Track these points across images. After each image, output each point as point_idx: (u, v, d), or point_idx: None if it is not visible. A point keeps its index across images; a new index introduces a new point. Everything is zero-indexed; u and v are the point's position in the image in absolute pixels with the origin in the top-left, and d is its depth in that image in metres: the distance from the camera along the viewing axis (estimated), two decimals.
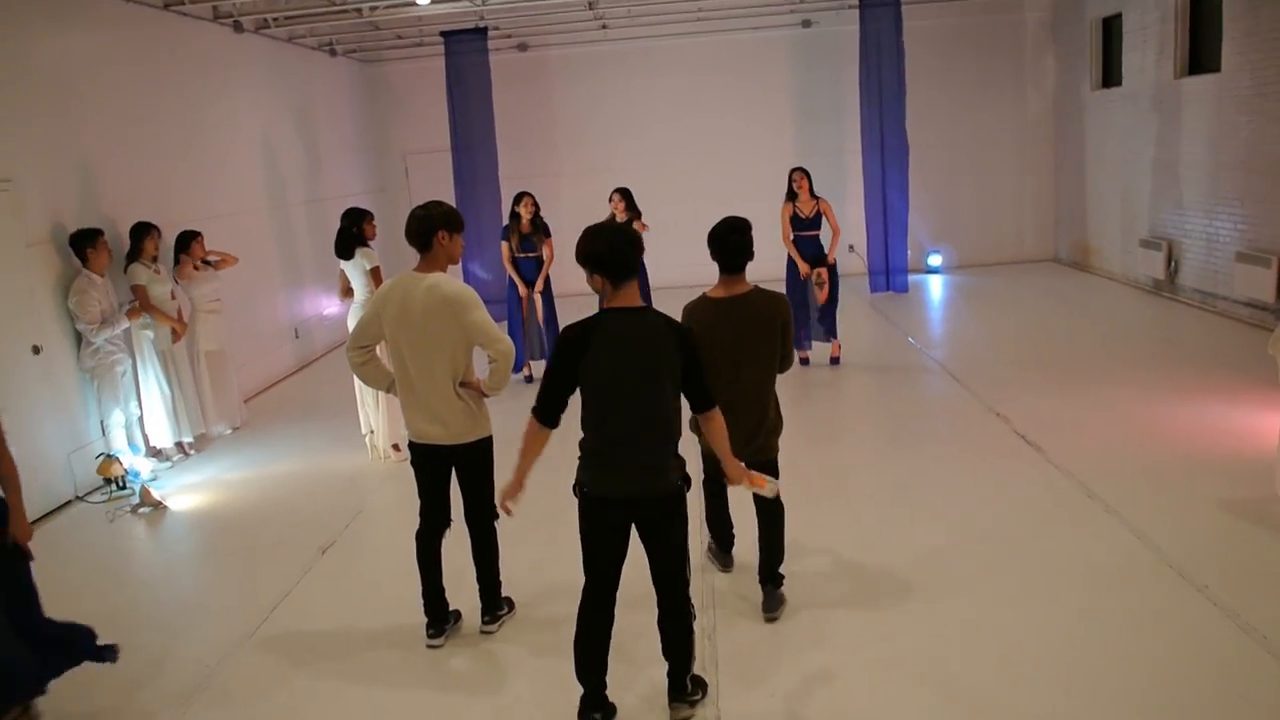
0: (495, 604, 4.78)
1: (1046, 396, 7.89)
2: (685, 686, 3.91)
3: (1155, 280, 11.70)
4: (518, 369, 9.43)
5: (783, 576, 4.79)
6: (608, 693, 3.89)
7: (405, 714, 4.15)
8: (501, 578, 4.79)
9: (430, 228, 4.44)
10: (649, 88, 14.67)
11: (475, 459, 4.58)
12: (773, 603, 4.70)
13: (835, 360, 9.48)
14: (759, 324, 4.56)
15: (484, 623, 4.75)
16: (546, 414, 3.81)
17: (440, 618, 4.70)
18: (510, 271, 9.42)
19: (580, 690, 3.87)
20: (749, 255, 4.60)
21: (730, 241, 4.57)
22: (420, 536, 4.67)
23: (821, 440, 7.76)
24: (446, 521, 4.69)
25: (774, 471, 4.68)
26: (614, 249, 3.66)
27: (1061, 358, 9.23)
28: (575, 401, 3.80)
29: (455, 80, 12.87)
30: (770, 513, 4.72)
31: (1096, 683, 3.94)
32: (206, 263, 8.37)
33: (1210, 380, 8.00)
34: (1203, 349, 9.18)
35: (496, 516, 4.70)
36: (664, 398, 3.67)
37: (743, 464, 4.18)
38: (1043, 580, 4.88)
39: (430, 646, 4.64)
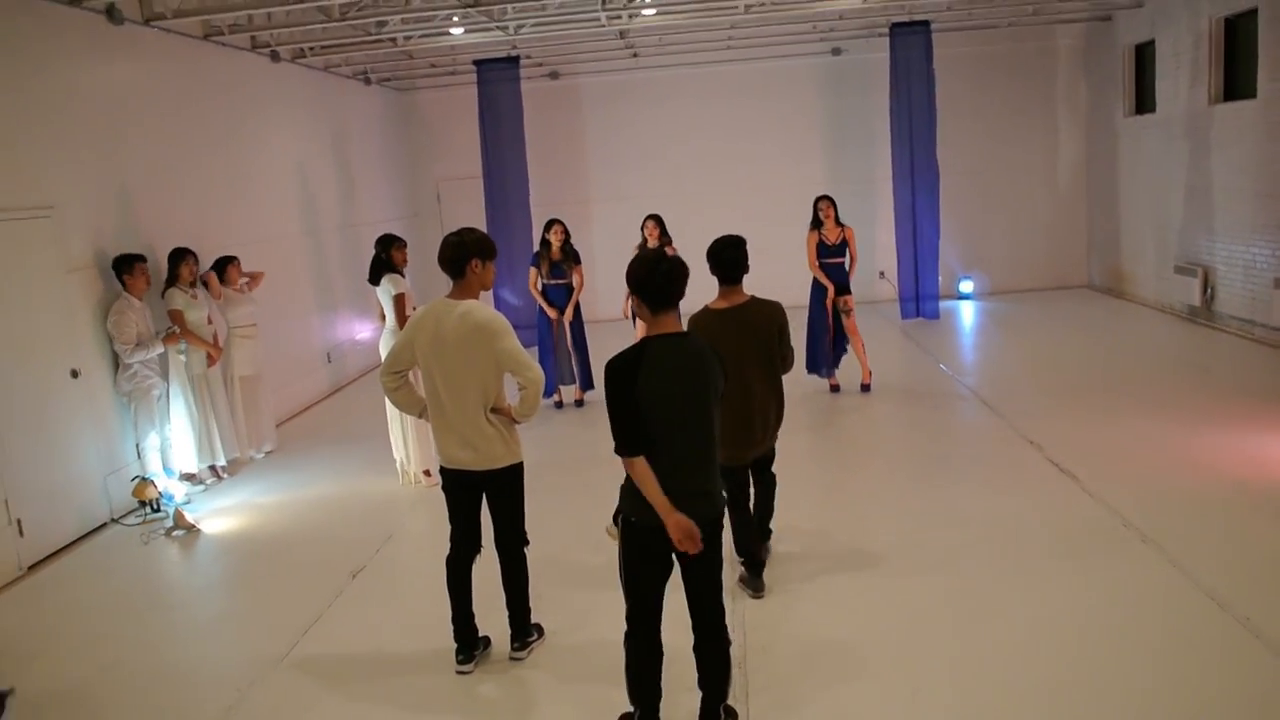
0: (525, 630, 4.78)
1: (1081, 424, 7.80)
2: (719, 715, 3.87)
3: (1191, 307, 11.57)
4: (548, 394, 9.46)
5: (770, 532, 5.57)
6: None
7: None
8: (531, 604, 4.79)
9: (464, 255, 4.47)
10: (679, 116, 14.75)
11: (506, 484, 4.59)
12: (756, 581, 5.24)
13: (866, 387, 9.43)
14: (759, 330, 5.05)
15: (514, 649, 4.75)
16: (631, 446, 3.64)
17: (470, 644, 4.70)
18: (537, 297, 9.48)
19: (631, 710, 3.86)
20: (745, 268, 5.09)
21: (727, 256, 5.05)
22: (451, 562, 4.68)
23: (852, 466, 7.71)
24: (477, 547, 4.70)
25: (771, 458, 5.46)
26: (669, 277, 3.65)
27: (1096, 385, 9.14)
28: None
29: (487, 108, 13.00)
30: (766, 484, 5.50)
31: (1135, 712, 3.87)
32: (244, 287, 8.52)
33: (1248, 408, 7.88)
34: (1240, 376, 9.05)
35: (527, 543, 4.70)
36: (713, 423, 3.69)
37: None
38: (1079, 610, 4.80)
39: (460, 673, 4.63)
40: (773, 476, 5.55)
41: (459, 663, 4.66)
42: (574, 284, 9.41)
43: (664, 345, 3.64)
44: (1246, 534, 5.55)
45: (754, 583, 5.26)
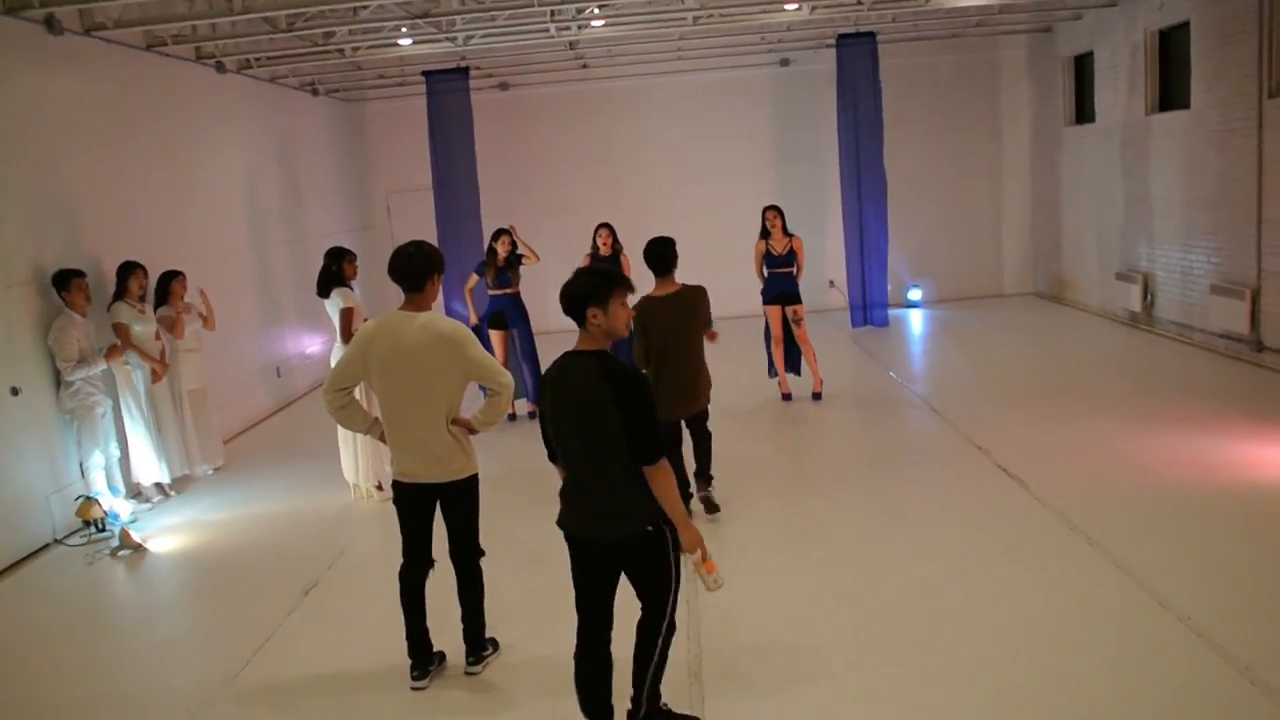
0: (480, 644, 4.75)
1: (1027, 429, 7.94)
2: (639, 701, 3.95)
3: (1132, 313, 11.84)
4: None
5: (712, 478, 6.63)
6: None
7: None
8: (486, 618, 4.76)
9: (427, 268, 4.46)
10: (630, 126, 14.81)
11: (463, 496, 4.58)
12: (713, 505, 6.53)
13: (817, 395, 9.52)
14: (690, 310, 6.34)
15: (469, 663, 4.72)
16: (551, 456, 3.97)
17: (425, 659, 4.67)
18: (468, 300, 9.49)
19: None
20: (674, 261, 6.45)
21: (658, 252, 6.41)
22: (404, 576, 4.65)
23: (803, 473, 7.78)
24: (430, 561, 4.67)
25: (705, 417, 6.57)
26: (567, 293, 3.80)
27: (1042, 390, 9.31)
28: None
29: (437, 119, 12.95)
30: (704, 437, 6.62)
31: (1081, 714, 3.95)
32: (201, 314, 8.44)
33: (1189, 411, 8.08)
34: (1181, 380, 9.28)
35: (482, 554, 4.69)
36: (604, 441, 3.66)
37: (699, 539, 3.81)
38: (1028, 611, 4.89)
39: (415, 688, 4.60)
40: (709, 431, 6.66)
41: (414, 679, 4.62)
42: (519, 290, 9.43)
43: (565, 362, 3.80)
44: (1187, 535, 5.69)
45: (710, 506, 6.53)
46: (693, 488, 6.57)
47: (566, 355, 3.78)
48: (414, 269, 4.44)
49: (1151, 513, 6.04)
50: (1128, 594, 4.99)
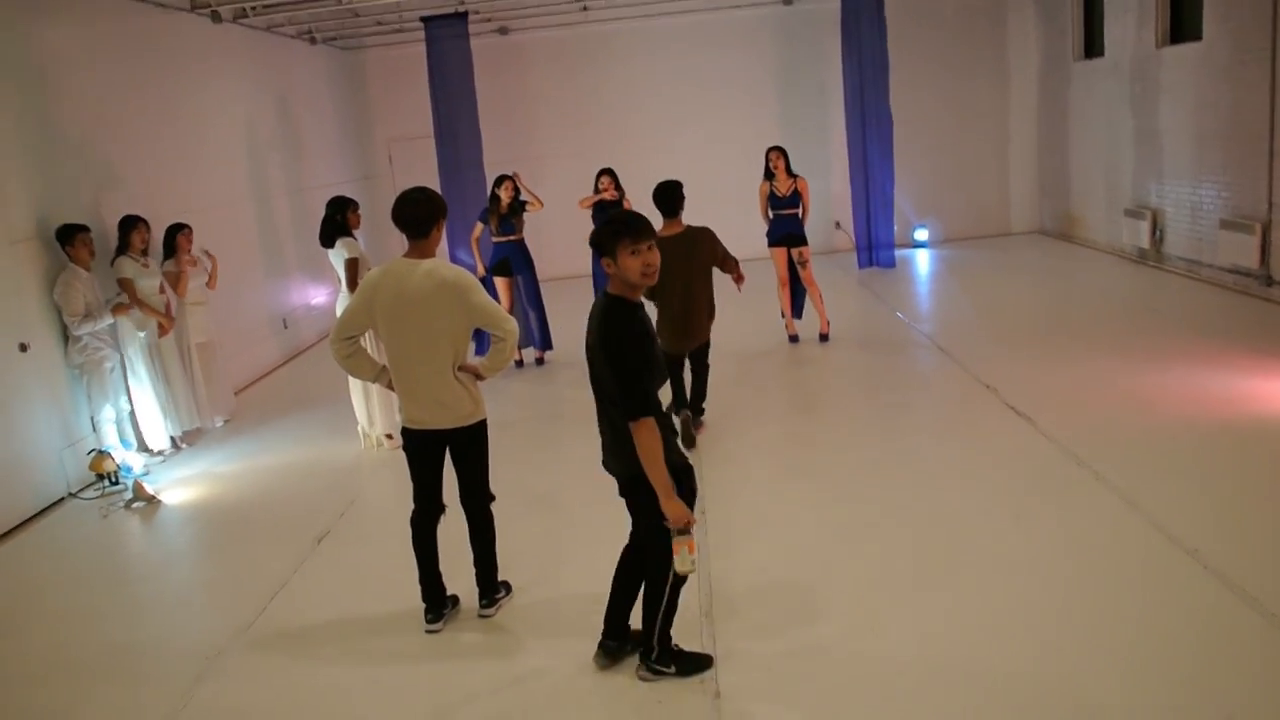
0: (493, 587, 4.80)
1: (1035, 367, 7.93)
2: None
3: (1140, 249, 11.75)
4: None
5: (704, 410, 7.11)
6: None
7: (406, 694, 4.17)
8: (498, 561, 4.81)
9: (432, 215, 4.43)
10: (631, 69, 14.64)
11: (473, 442, 4.60)
12: (692, 430, 6.82)
13: (824, 337, 9.50)
14: (697, 249, 6.65)
15: (482, 606, 4.77)
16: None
17: (438, 603, 4.72)
18: (475, 251, 9.46)
19: None
20: (681, 203, 6.80)
21: (667, 194, 6.77)
22: (415, 522, 4.69)
23: (810, 414, 7.79)
24: (441, 506, 4.71)
25: (706, 349, 6.95)
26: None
27: (1049, 329, 9.28)
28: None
29: (436, 66, 12.78)
30: (702, 371, 7.01)
31: (1086, 646, 3.99)
32: (206, 269, 8.43)
33: (1197, 347, 8.05)
34: (1189, 317, 9.23)
35: (493, 499, 4.72)
36: (599, 385, 3.77)
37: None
38: (1033, 548, 4.92)
39: (429, 632, 4.66)
40: (707, 365, 7.03)
41: (428, 622, 4.68)
42: (523, 236, 9.39)
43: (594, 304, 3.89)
44: (1194, 470, 5.70)
45: (688, 438, 6.61)
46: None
47: (599, 295, 3.87)
48: (419, 215, 4.41)
49: (1158, 448, 6.05)
50: (1135, 528, 5.01)
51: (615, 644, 4.14)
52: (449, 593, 4.79)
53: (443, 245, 13.08)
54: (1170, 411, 6.65)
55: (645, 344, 3.64)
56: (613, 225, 3.69)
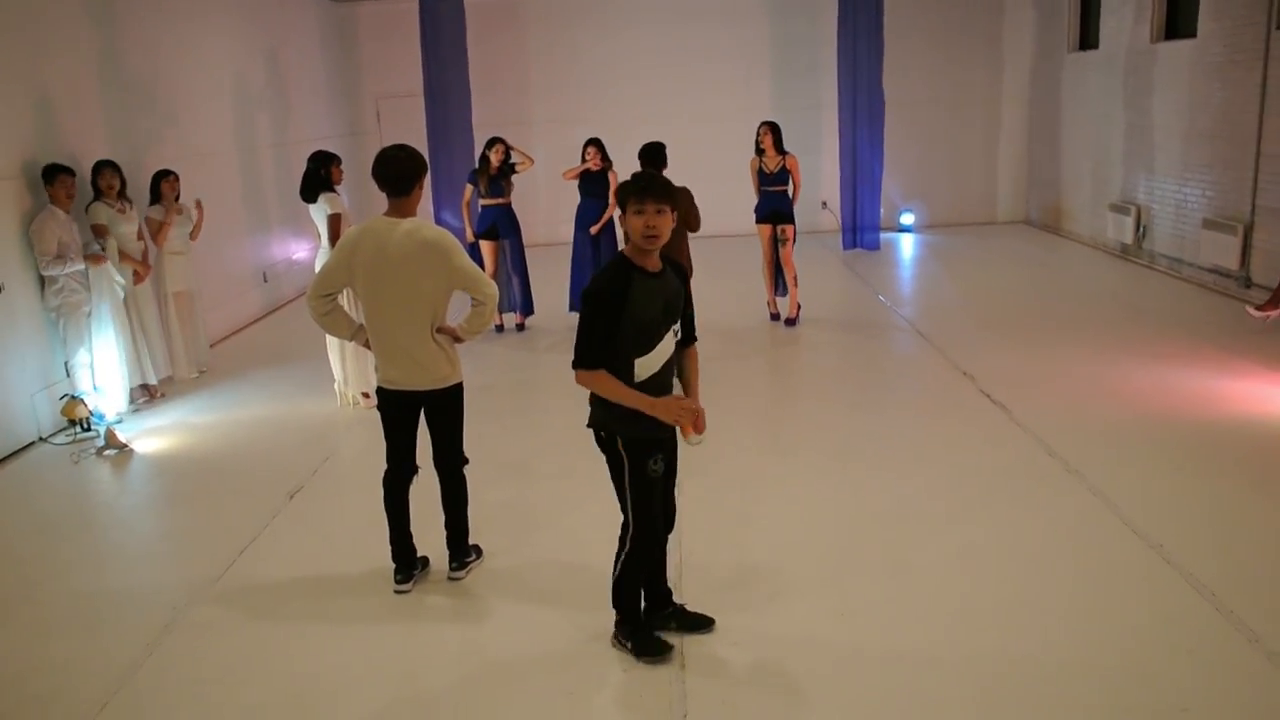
0: (464, 551, 4.81)
1: (1013, 356, 7.99)
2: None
3: (1124, 245, 11.82)
4: None
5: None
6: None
7: (372, 654, 4.18)
8: (470, 524, 4.82)
9: (414, 172, 4.39)
10: (624, 38, 14.53)
11: (448, 404, 4.58)
12: None
13: (791, 321, 9.41)
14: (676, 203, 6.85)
15: (452, 569, 4.78)
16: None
17: (408, 564, 4.73)
18: (465, 215, 9.44)
19: None
20: (664, 163, 7.60)
21: (652, 153, 7.60)
22: (388, 482, 4.68)
23: (786, 395, 7.83)
24: (414, 467, 4.70)
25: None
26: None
27: (1029, 319, 9.33)
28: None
29: (429, 23, 12.65)
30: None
31: (1049, 634, 4.04)
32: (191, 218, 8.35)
33: (1173, 345, 8.12)
34: (1167, 314, 9.30)
35: (466, 462, 4.72)
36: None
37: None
38: (1000, 536, 4.97)
39: (398, 592, 4.66)
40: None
41: (397, 583, 4.68)
42: (510, 200, 9.37)
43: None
44: (1163, 465, 5.76)
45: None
46: None
47: None
48: (402, 172, 4.37)
49: (1129, 442, 6.11)
50: (1102, 520, 5.06)
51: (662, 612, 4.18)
52: (419, 554, 4.79)
53: (426, 205, 12.99)
54: (1143, 407, 6.72)
55: (612, 304, 3.58)
56: (627, 182, 3.68)
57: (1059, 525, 5.05)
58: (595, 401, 3.77)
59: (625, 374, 3.65)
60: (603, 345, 3.59)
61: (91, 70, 8.10)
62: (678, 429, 3.73)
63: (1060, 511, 5.21)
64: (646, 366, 3.66)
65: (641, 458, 3.75)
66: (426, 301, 4.38)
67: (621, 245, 3.80)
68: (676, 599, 4.28)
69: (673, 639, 4.06)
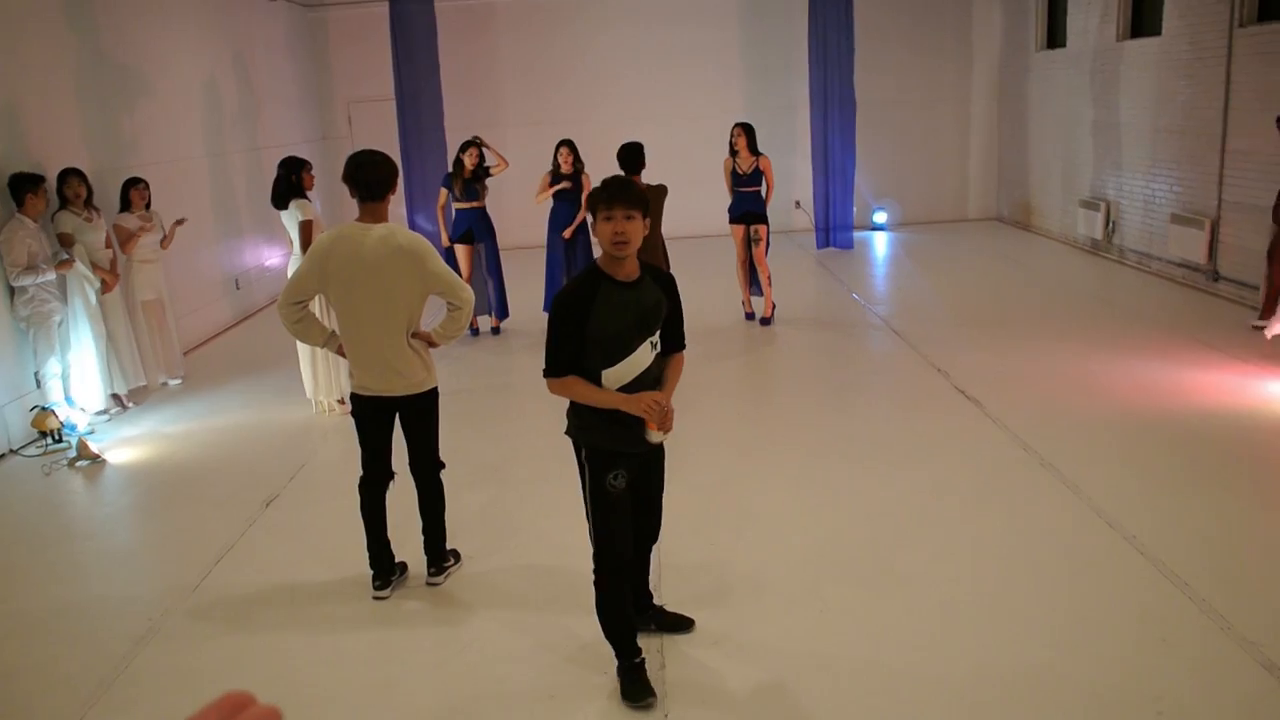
0: (441, 556, 4.80)
1: (986, 353, 8.05)
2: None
3: (1094, 240, 11.94)
4: None
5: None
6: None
7: (350, 661, 4.16)
8: (448, 529, 4.80)
9: (388, 178, 4.39)
10: (596, 40, 14.53)
11: (424, 409, 4.57)
12: None
13: (766, 321, 9.45)
14: (655, 205, 7.16)
15: (430, 574, 4.77)
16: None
17: (386, 570, 4.71)
18: (440, 219, 9.43)
19: None
20: (642, 164, 7.74)
21: (632, 154, 7.68)
22: (364, 489, 4.65)
23: (763, 394, 7.85)
24: (390, 473, 4.68)
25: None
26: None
27: (1001, 315, 9.41)
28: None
29: (400, 28, 12.61)
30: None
31: (1025, 625, 4.08)
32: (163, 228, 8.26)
33: (1143, 339, 8.21)
34: (1136, 308, 9.41)
35: (442, 466, 4.71)
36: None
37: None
38: (976, 530, 5.01)
39: (376, 599, 4.65)
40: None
41: (375, 589, 4.66)
42: (485, 203, 9.35)
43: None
44: (1136, 457, 5.83)
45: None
46: None
47: None
48: (378, 177, 4.35)
49: (1103, 436, 6.18)
50: (1077, 513, 5.11)
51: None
52: (398, 560, 4.77)
53: (399, 210, 12.94)
54: (1115, 400, 6.79)
55: (574, 313, 3.47)
56: (597, 189, 3.57)
57: (1033, 518, 5.10)
58: (569, 408, 3.71)
59: (593, 384, 3.57)
60: (569, 353, 3.52)
61: (58, 77, 8.01)
62: (646, 431, 3.57)
63: (1034, 505, 5.25)
64: (615, 378, 3.54)
65: (600, 470, 3.60)
66: (401, 307, 4.36)
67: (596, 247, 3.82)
68: (656, 600, 4.29)
69: (653, 640, 4.07)
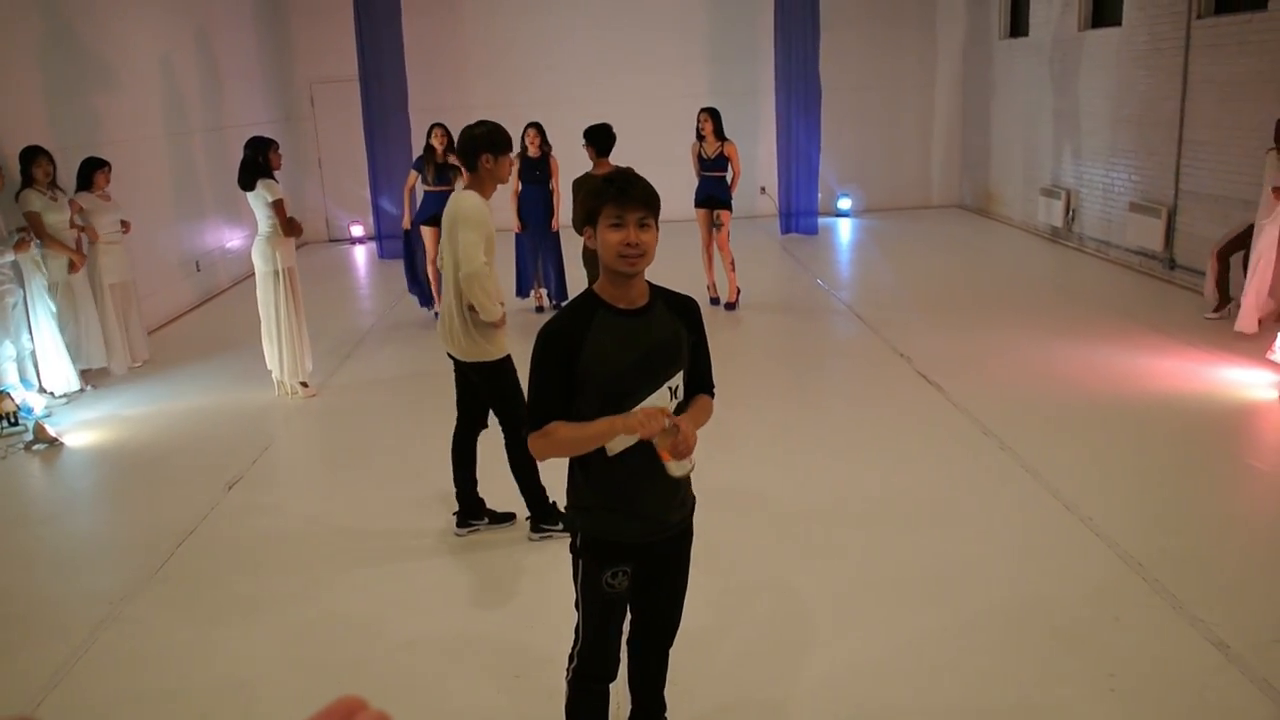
0: (544, 514, 4.87)
1: (948, 338, 8.14)
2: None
3: (1054, 228, 12.09)
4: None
5: None
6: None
7: (312, 640, 4.16)
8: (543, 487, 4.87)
9: (474, 149, 4.55)
10: (563, 21, 14.45)
11: (484, 378, 4.72)
12: None
13: (730, 306, 9.51)
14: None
15: (531, 530, 4.92)
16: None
17: (466, 512, 4.95)
18: (405, 201, 9.39)
19: None
20: (611, 144, 7.72)
21: (603, 134, 7.72)
22: (454, 436, 4.94)
23: (726, 379, 7.86)
24: (476, 424, 4.91)
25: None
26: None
27: (963, 301, 9.52)
28: None
29: (363, 6, 12.49)
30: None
31: (980, 604, 4.16)
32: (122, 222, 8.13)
33: (1101, 325, 8.35)
34: (1095, 295, 9.55)
35: (519, 429, 4.73)
36: None
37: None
38: (936, 512, 5.09)
39: (456, 534, 4.93)
40: None
41: (456, 526, 4.94)
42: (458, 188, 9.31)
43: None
44: (1093, 441, 5.93)
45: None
46: None
47: None
48: (464, 149, 4.62)
49: (1061, 419, 6.28)
50: (1035, 496, 5.21)
51: None
52: (500, 511, 5.00)
53: (363, 191, 12.80)
54: (1073, 385, 6.90)
55: (560, 350, 2.62)
56: (601, 184, 2.68)
57: (992, 501, 5.18)
58: (567, 480, 2.85)
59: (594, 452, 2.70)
60: (554, 398, 2.64)
61: (17, 54, 7.86)
62: (662, 463, 2.62)
63: (994, 487, 5.34)
64: (620, 439, 2.65)
65: (596, 565, 2.75)
66: (450, 271, 4.59)
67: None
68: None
69: None
